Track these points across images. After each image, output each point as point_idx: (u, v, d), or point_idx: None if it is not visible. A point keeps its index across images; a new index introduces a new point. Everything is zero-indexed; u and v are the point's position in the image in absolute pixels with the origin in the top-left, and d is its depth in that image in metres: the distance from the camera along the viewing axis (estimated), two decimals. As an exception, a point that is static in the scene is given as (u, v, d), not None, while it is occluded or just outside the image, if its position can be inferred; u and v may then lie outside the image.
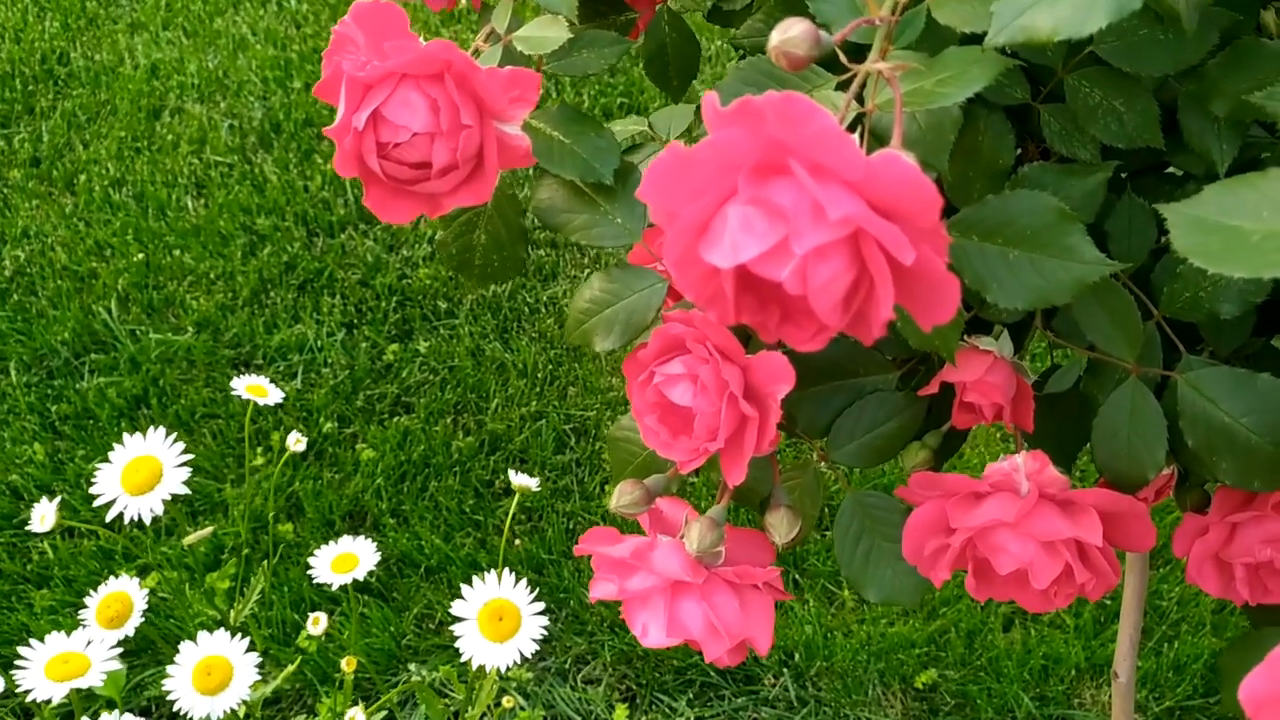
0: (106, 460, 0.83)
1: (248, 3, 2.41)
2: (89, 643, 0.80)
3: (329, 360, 1.81)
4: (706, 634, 0.56)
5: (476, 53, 0.52)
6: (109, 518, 0.79)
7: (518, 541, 1.63)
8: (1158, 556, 1.64)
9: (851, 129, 0.48)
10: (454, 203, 0.49)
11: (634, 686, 1.52)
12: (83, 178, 2.06)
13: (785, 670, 1.52)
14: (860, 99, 0.45)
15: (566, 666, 1.52)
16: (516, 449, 1.72)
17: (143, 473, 0.80)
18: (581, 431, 1.75)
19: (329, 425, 1.73)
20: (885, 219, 0.38)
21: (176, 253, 1.94)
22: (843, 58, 0.43)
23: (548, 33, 0.49)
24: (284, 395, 1.75)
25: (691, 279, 0.42)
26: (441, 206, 0.50)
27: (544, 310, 1.91)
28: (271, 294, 1.90)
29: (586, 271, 1.95)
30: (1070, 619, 1.57)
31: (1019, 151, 0.62)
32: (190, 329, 1.83)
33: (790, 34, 0.39)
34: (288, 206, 2.02)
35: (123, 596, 0.86)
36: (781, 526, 0.56)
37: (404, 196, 0.49)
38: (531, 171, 0.53)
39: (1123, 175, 0.61)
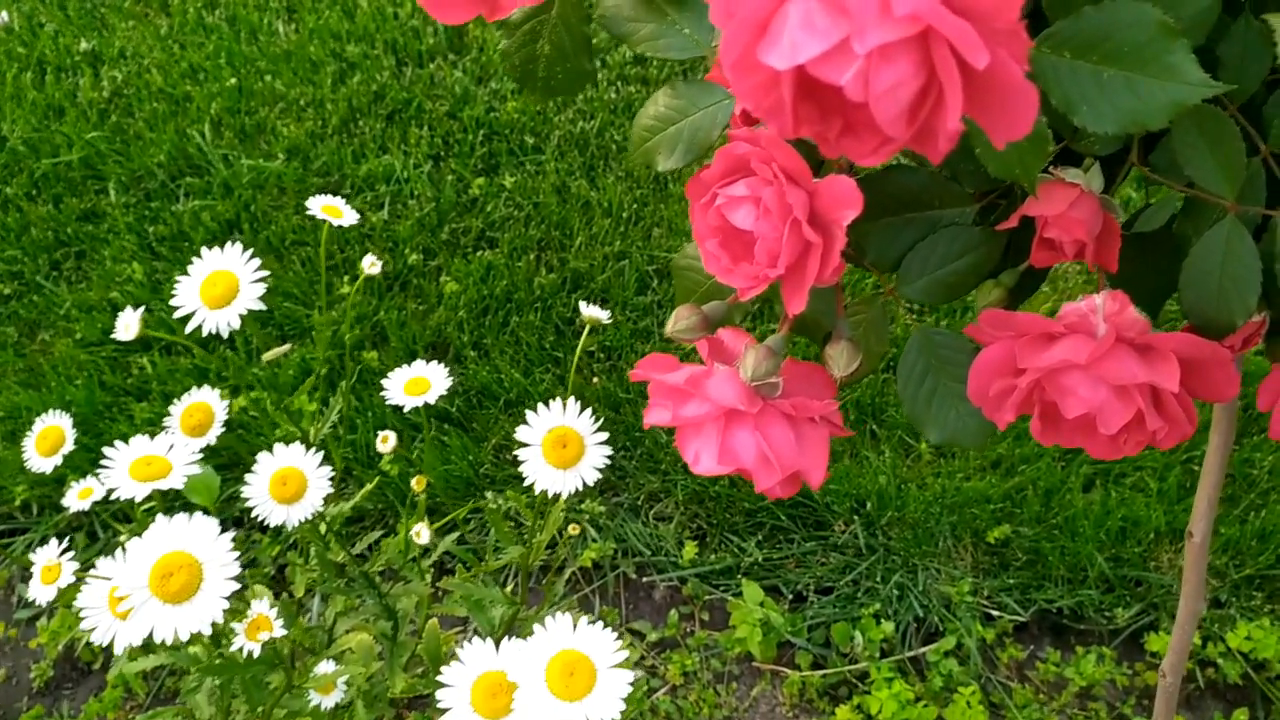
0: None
1: None
2: (171, 447, 0.83)
3: (415, 192, 1.81)
4: (758, 463, 0.55)
5: None
6: (188, 329, 0.81)
7: (595, 380, 1.64)
8: (1253, 425, 1.59)
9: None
10: (513, 3, 0.47)
11: (705, 526, 1.54)
12: None
13: (856, 518, 1.53)
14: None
15: (639, 503, 1.55)
16: (598, 288, 1.72)
17: (220, 286, 0.81)
18: (664, 273, 1.74)
19: (414, 257, 1.74)
20: (958, 16, 0.35)
21: (268, 78, 1.94)
22: None
23: None
24: (370, 225, 1.77)
25: (749, 85, 0.39)
26: (500, 6, 0.48)
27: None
28: (360, 123, 1.89)
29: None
30: (1154, 482, 1.54)
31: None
32: (281, 156, 1.84)
33: None
34: (377, 34, 1.99)
35: (204, 406, 0.88)
36: (841, 359, 0.54)
37: (458, -6, 0.47)
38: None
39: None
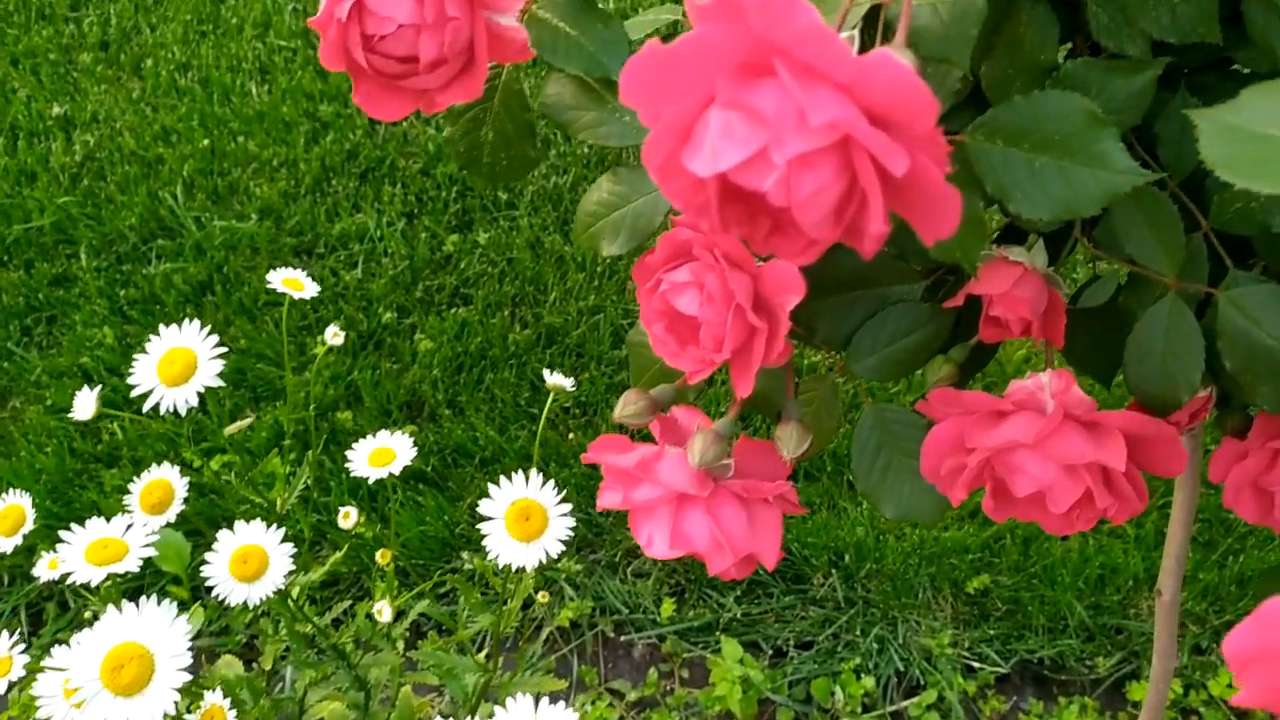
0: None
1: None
2: (129, 527, 0.82)
3: (389, 250, 1.81)
4: (711, 547, 0.55)
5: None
6: (145, 408, 0.80)
7: (571, 435, 1.63)
8: (1228, 468, 1.59)
9: (871, 22, 0.45)
10: (447, 99, 0.47)
11: (683, 581, 1.53)
12: (149, 62, 2.07)
13: (835, 571, 1.52)
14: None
15: (616, 559, 1.54)
16: (573, 343, 1.72)
17: (178, 364, 0.81)
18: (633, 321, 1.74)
19: (388, 315, 1.74)
20: (877, 124, 0.35)
21: (241, 139, 1.94)
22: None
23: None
24: (344, 284, 1.76)
25: (676, 187, 0.39)
26: (435, 103, 0.48)
27: (604, 202, 1.88)
28: (333, 182, 1.90)
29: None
30: (1131, 529, 1.53)
31: (1069, 47, 0.57)
32: (254, 216, 1.84)
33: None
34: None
35: (164, 483, 0.88)
36: (790, 441, 0.54)
37: (394, 92, 0.47)
38: (535, 66, 0.50)
39: (1184, 71, 0.56)
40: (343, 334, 0.93)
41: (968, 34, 0.44)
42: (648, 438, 0.59)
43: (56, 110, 1.96)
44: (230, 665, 1.09)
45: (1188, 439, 0.83)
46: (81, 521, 0.82)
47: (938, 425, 0.55)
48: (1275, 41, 0.50)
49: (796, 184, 0.35)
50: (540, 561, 0.79)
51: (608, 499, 0.58)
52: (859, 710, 1.41)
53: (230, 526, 0.85)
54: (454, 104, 0.56)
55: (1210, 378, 0.53)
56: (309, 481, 1.02)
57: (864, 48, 0.41)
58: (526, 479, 0.81)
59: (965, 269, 0.52)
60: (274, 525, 0.85)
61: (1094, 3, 0.52)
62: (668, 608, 1.49)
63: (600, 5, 0.53)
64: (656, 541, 0.55)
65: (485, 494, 0.80)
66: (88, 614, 0.93)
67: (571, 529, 0.80)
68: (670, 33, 0.61)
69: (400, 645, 1.11)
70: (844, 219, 0.37)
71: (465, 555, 1.44)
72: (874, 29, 0.45)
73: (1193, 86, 0.54)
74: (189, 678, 0.63)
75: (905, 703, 1.43)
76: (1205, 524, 1.53)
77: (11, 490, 0.92)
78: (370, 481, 0.96)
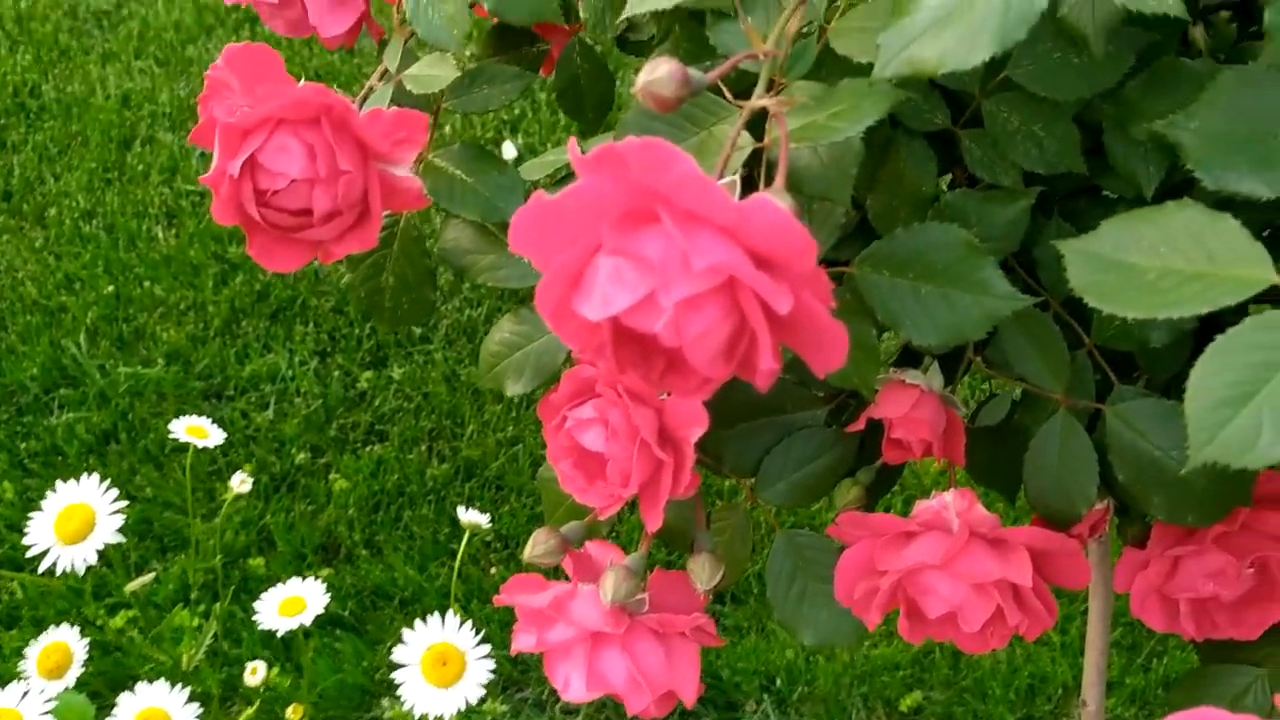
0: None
1: (220, 29, 2.40)
2: (25, 694, 0.78)
3: (301, 389, 1.79)
4: (629, 686, 0.54)
5: (370, 92, 0.50)
6: (41, 569, 0.77)
7: (493, 569, 1.60)
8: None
9: (754, 165, 0.46)
10: (343, 250, 0.47)
11: (612, 716, 1.50)
12: (53, 210, 2.05)
13: (766, 696, 1.50)
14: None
15: (544, 697, 1.50)
16: (492, 475, 1.70)
17: (75, 521, 0.78)
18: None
19: (301, 456, 1.71)
20: (761, 265, 0.36)
21: (147, 284, 1.92)
22: (727, 94, 0.41)
23: (436, 71, 0.47)
24: (255, 426, 1.73)
25: (571, 331, 0.40)
26: (331, 253, 0.48)
27: (519, 333, 1.89)
28: (243, 323, 1.88)
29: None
30: (1056, 636, 1.54)
31: (949, 178, 0.60)
32: (160, 361, 1.81)
33: (656, 75, 0.37)
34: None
35: (62, 646, 0.84)
36: (703, 573, 0.54)
37: (289, 244, 0.47)
38: (436, 208, 0.51)
39: (1056, 198, 0.59)
40: (250, 480, 0.91)
41: (847, 172, 0.46)
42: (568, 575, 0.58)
43: (-45, 261, 1.92)
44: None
45: (1096, 547, 0.84)
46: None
47: (849, 549, 0.56)
48: (1135, 169, 0.53)
49: (686, 325, 0.36)
50: (460, 709, 0.77)
51: (522, 641, 0.56)
52: (799, 841, 1.37)
53: (133, 687, 0.81)
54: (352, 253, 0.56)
55: (1106, 490, 0.55)
56: (217, 634, 0.98)
57: (753, 188, 0.43)
58: (443, 620, 0.79)
59: (863, 394, 0.53)
60: (179, 685, 0.82)
61: (967, 138, 0.55)
62: (598, 745, 1.45)
63: (512, 141, 0.54)
64: (573, 683, 0.54)
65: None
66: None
67: (494, 670, 0.78)
68: (568, 174, 0.62)
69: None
70: (735, 357, 0.38)
71: (385, 703, 1.39)
72: (759, 168, 0.46)
73: (1065, 213, 0.57)
74: None
75: (845, 830, 1.40)
76: (1127, 628, 1.55)
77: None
78: (279, 634, 0.93)
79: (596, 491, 0.53)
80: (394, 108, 0.46)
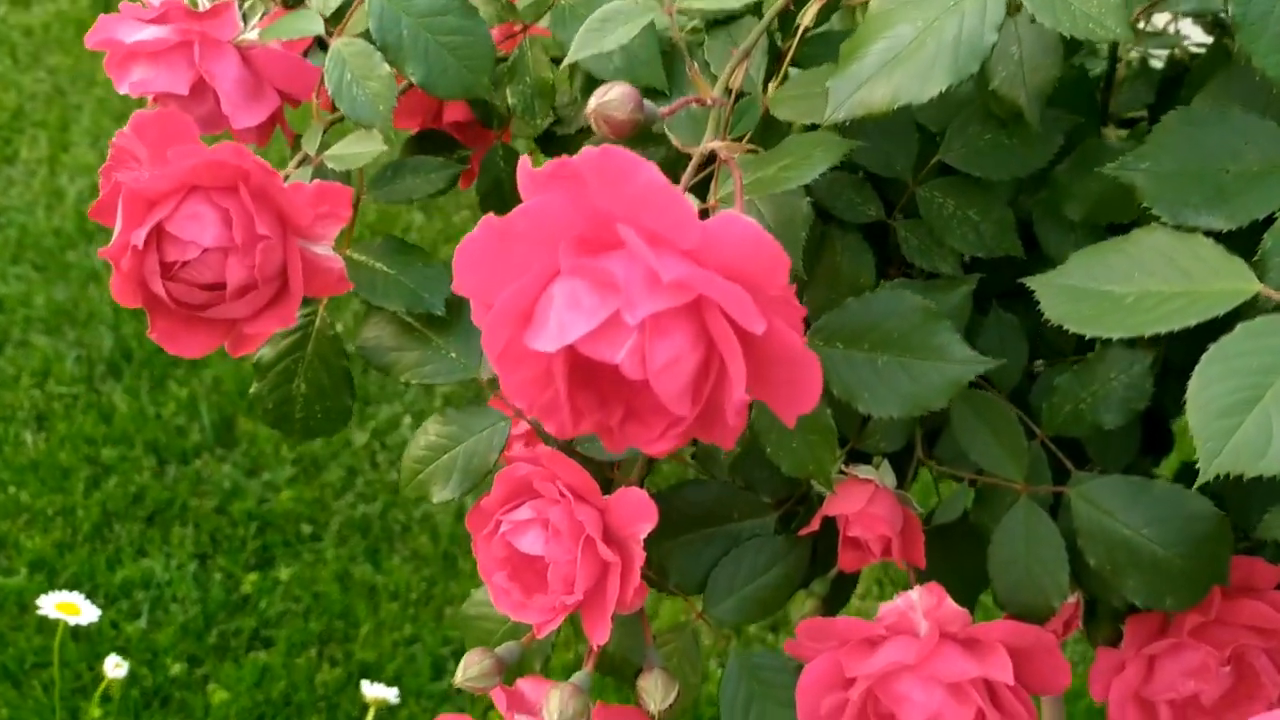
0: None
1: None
2: None
3: (178, 595, 1.67)
4: (577, 834, 0.47)
5: (287, 178, 0.48)
6: None
7: (392, 781, 1.47)
8: (1079, 699, 1.57)
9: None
10: (256, 330, 0.43)
11: None
12: (-88, 417, 1.93)
13: None
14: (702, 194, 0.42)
15: None
16: (389, 677, 1.58)
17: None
18: (461, 653, 1.63)
19: (177, 667, 1.57)
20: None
21: (11, 489, 1.80)
22: (675, 140, 0.40)
23: (361, 148, 0.45)
24: (126, 636, 1.59)
25: (520, 379, 0.36)
26: (244, 337, 0.44)
27: (416, 528, 1.81)
28: (115, 528, 1.76)
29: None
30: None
31: (885, 275, 0.59)
32: (23, 570, 1.67)
33: (609, 96, 0.35)
34: (137, 434, 1.91)
35: None
36: (657, 692, 0.49)
37: (197, 325, 0.43)
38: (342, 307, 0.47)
39: (992, 295, 0.58)
40: (125, 664, 0.82)
41: (796, 235, 0.44)
42: None
43: None
44: None
45: (1051, 703, 0.80)
46: None
47: (810, 664, 0.51)
48: (1067, 254, 0.53)
49: (652, 351, 0.33)
50: None
51: (452, 791, 0.49)
52: None
53: None
54: (262, 355, 0.52)
55: (1076, 581, 0.52)
56: None
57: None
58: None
59: (820, 482, 0.50)
60: None
61: (903, 228, 0.54)
62: None
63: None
64: (514, 835, 0.47)
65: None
66: None
67: None
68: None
69: None
70: (703, 394, 0.34)
71: None
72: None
73: (1003, 308, 0.56)
74: None
75: None
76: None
77: None
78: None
79: (535, 605, 0.48)
80: (316, 182, 0.43)
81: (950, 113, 0.52)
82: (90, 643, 1.60)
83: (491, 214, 0.33)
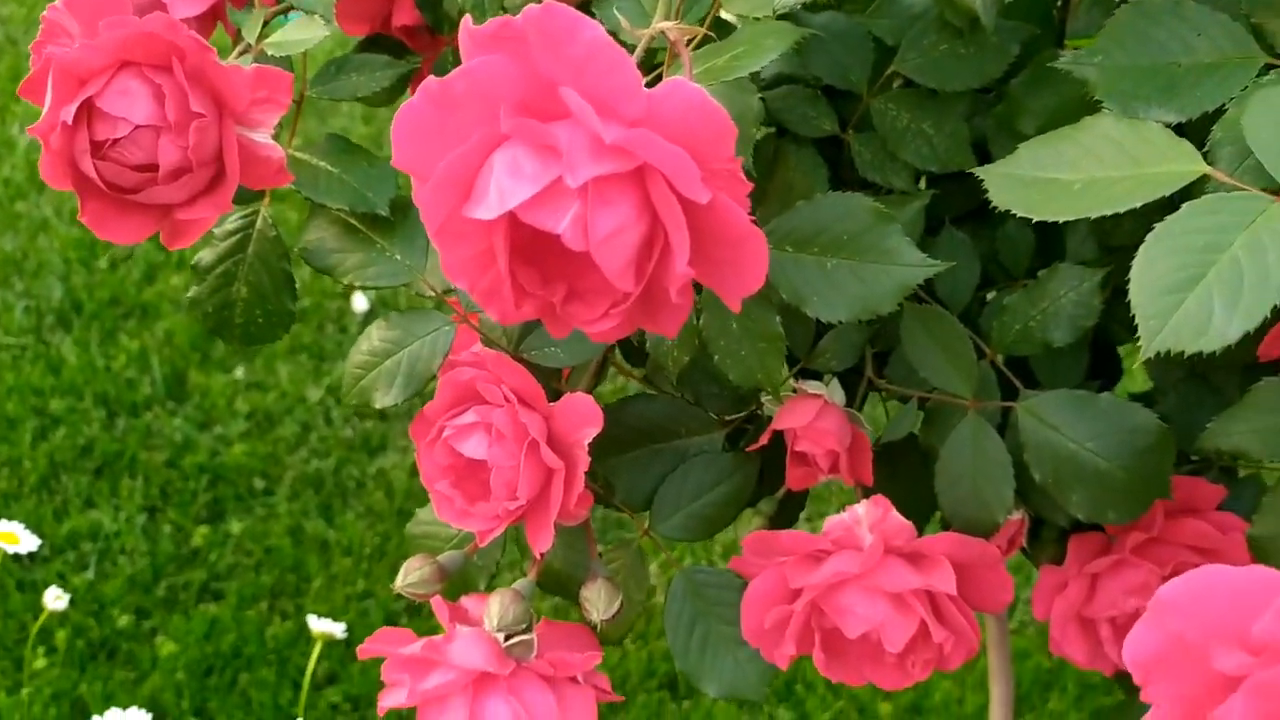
0: None
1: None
2: None
3: (126, 547, 1.64)
4: (516, 740, 0.47)
5: (226, 69, 0.46)
6: None
7: (341, 734, 1.46)
8: (1027, 659, 1.59)
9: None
10: (190, 215, 0.42)
11: None
12: None
13: None
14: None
15: None
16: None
17: None
18: (414, 609, 1.62)
19: (125, 619, 1.55)
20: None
21: (-44, 441, 1.76)
22: (623, 21, 0.39)
23: (302, 34, 0.44)
24: (74, 587, 1.57)
25: (461, 256, 0.35)
26: (178, 225, 0.43)
27: (371, 484, 1.79)
28: (63, 479, 1.73)
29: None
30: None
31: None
32: (-34, 521, 1.64)
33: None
34: (86, 386, 1.87)
35: None
36: (600, 601, 0.48)
37: (129, 210, 0.42)
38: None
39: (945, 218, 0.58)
40: (66, 596, 0.80)
41: (747, 133, 0.44)
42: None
43: None
44: None
45: (995, 627, 0.81)
46: None
47: (756, 578, 0.51)
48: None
49: (594, 221, 0.32)
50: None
51: (391, 698, 0.49)
52: None
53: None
54: (201, 257, 0.51)
55: (1021, 498, 0.52)
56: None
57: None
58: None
59: (769, 389, 0.50)
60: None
61: (857, 142, 0.54)
62: None
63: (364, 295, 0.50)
64: (452, 741, 0.47)
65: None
66: None
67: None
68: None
69: None
70: (646, 269, 0.34)
71: None
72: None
73: (955, 223, 0.56)
74: None
75: None
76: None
77: None
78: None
79: (479, 513, 0.47)
80: (255, 65, 0.42)
81: (907, 25, 0.51)
82: (35, 593, 1.57)
83: (431, 78, 0.32)
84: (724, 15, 0.44)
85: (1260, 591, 0.24)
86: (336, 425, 1.88)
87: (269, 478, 1.79)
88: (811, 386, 0.52)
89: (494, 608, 0.45)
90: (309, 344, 1.99)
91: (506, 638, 0.47)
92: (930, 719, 1.51)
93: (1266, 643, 0.21)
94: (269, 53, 0.44)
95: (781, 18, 0.41)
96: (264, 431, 1.86)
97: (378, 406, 0.48)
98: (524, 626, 0.46)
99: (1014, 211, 0.36)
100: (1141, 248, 0.32)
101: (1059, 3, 0.55)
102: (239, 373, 1.94)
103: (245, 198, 0.49)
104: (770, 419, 0.53)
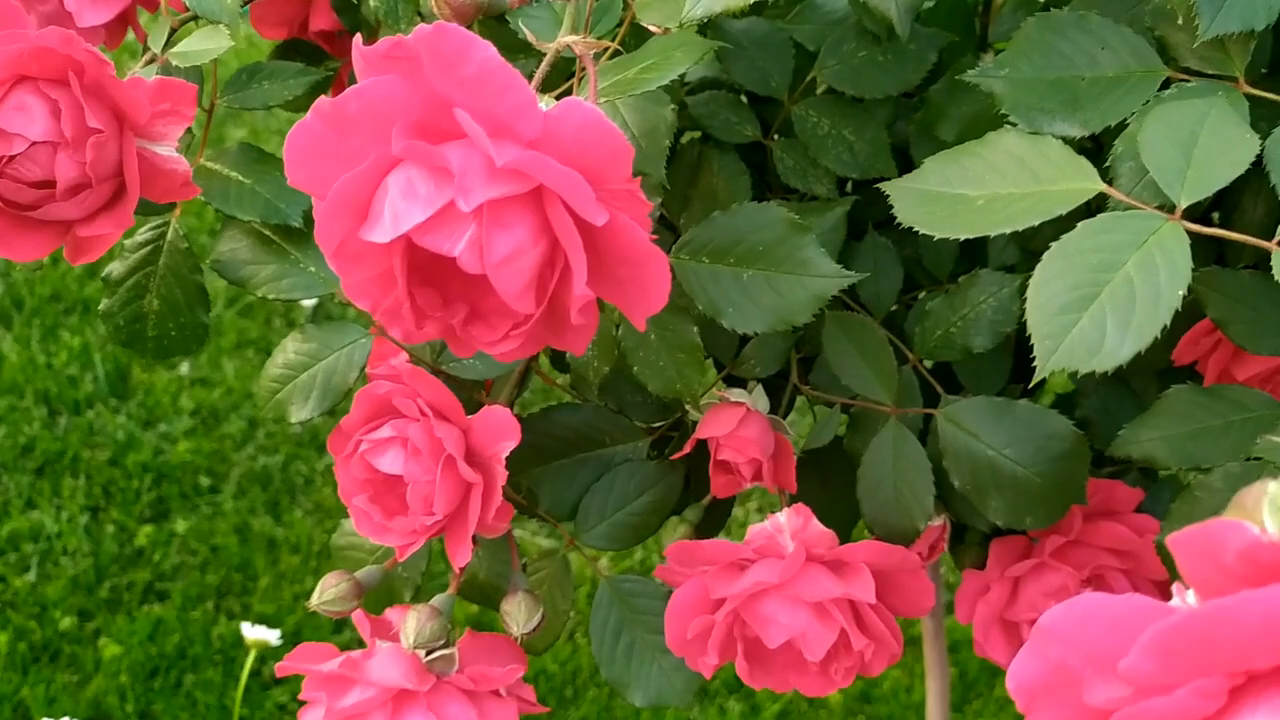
0: None
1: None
2: None
3: (68, 548, 1.62)
4: (437, 756, 0.46)
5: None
6: None
7: (289, 734, 1.45)
8: (970, 691, 1.61)
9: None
10: (91, 232, 0.41)
11: None
12: None
13: None
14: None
15: None
16: (289, 630, 1.56)
17: None
18: (365, 605, 1.61)
19: (67, 621, 1.52)
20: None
21: (-108, 440, 1.72)
22: (530, 37, 0.38)
23: (207, 44, 0.43)
24: (14, 589, 1.55)
25: (360, 279, 0.35)
26: (80, 241, 0.42)
27: (320, 480, 1.78)
28: (3, 479, 1.70)
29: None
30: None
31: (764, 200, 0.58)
32: (-98, 524, 1.61)
33: (452, -22, 0.34)
34: (27, 384, 1.84)
35: None
36: (520, 614, 0.48)
37: (29, 227, 0.41)
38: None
39: (868, 223, 0.58)
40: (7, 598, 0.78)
41: (660, 146, 0.43)
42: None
43: None
44: None
45: (930, 624, 0.81)
46: None
47: (680, 588, 0.51)
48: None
49: (490, 244, 0.31)
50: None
51: (309, 717, 0.48)
52: None
53: None
54: (111, 269, 0.50)
55: (942, 504, 0.52)
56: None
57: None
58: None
59: (688, 400, 0.49)
60: None
61: (779, 149, 0.54)
62: None
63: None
64: (371, 758, 0.46)
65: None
66: None
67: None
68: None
69: None
70: (546, 290, 0.33)
71: None
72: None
73: (880, 231, 0.56)
74: None
75: None
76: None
77: None
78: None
79: (396, 527, 0.47)
80: (158, 76, 0.41)
81: (827, 31, 0.51)
82: (-24, 597, 1.55)
83: (323, 98, 0.32)
84: (642, 23, 0.43)
85: (1137, 621, 0.24)
86: (284, 422, 1.86)
87: (215, 475, 1.77)
88: (735, 394, 0.52)
89: (410, 625, 0.45)
90: (256, 339, 1.96)
91: (427, 653, 0.46)
92: (879, 707, 1.52)
93: (1134, 677, 0.21)
94: (174, 63, 0.43)
95: (705, 24, 0.41)
96: (210, 428, 1.84)
97: (293, 420, 0.48)
98: (442, 641, 0.45)
99: (916, 229, 0.36)
100: (1038, 267, 0.33)
101: (980, 9, 0.55)
102: (184, 369, 1.91)
103: (156, 209, 0.48)
104: (695, 426, 0.53)
